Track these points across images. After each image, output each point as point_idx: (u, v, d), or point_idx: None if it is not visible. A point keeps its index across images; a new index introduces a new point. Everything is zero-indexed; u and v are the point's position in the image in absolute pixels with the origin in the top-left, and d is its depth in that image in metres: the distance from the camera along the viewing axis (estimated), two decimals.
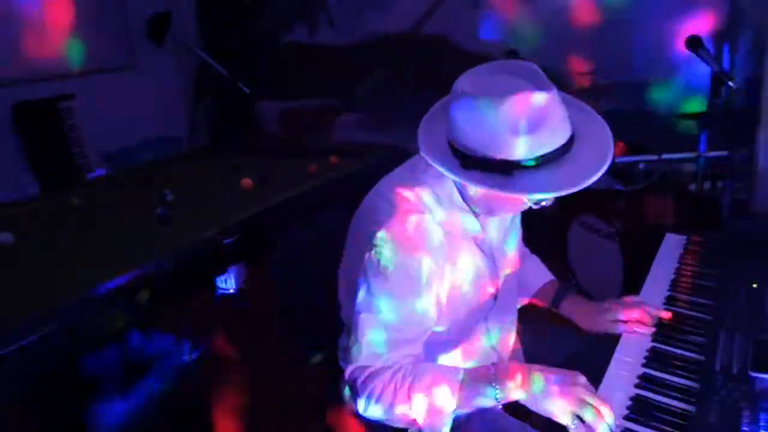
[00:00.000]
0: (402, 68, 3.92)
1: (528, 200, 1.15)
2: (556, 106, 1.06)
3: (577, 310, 1.47)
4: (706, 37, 2.02)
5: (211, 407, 2.19)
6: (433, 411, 1.13)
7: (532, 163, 1.04)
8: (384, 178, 1.32)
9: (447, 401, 1.12)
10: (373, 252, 1.17)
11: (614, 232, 2.84)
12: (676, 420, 1.03)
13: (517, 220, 1.51)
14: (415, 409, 1.13)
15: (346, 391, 1.43)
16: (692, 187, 2.73)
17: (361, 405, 1.19)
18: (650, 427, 1.02)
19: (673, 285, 1.50)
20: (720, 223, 1.95)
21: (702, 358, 1.19)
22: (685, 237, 1.77)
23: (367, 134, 4.05)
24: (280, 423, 2.19)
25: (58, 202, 2.60)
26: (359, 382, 1.18)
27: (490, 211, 1.26)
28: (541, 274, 1.59)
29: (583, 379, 1.08)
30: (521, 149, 1.04)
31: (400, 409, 1.15)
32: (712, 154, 2.45)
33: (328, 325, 1.49)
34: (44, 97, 3.54)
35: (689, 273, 1.55)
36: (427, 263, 1.18)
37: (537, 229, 1.66)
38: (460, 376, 1.14)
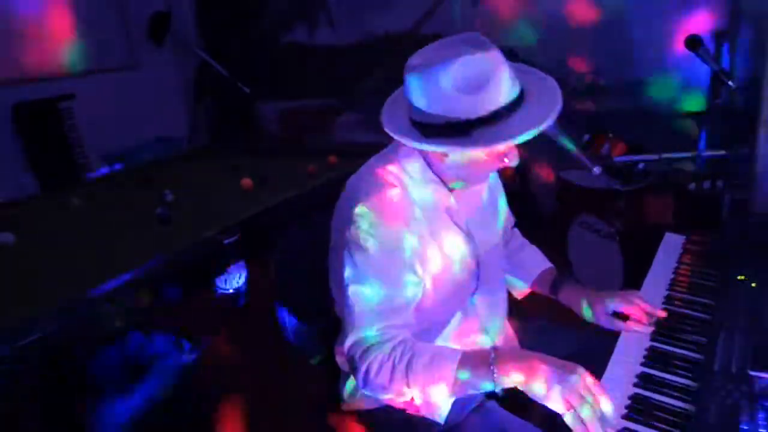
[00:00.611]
0: (402, 68, 3.92)
1: (488, 155, 1.19)
2: (501, 64, 1.12)
3: (577, 299, 1.47)
4: (706, 36, 2.02)
5: (211, 407, 2.20)
6: (430, 390, 1.13)
7: (486, 117, 1.11)
8: (362, 166, 1.37)
9: (444, 380, 1.13)
10: (353, 227, 1.22)
11: (614, 232, 2.84)
12: (675, 419, 1.03)
13: (500, 203, 1.53)
14: (412, 386, 1.14)
15: (347, 387, 1.44)
16: (692, 186, 2.73)
17: (360, 380, 1.20)
18: (649, 427, 1.02)
19: (673, 284, 1.50)
20: (720, 223, 1.95)
21: (701, 357, 1.19)
22: (685, 237, 1.77)
23: (367, 134, 4.05)
24: (280, 423, 2.19)
25: (58, 202, 2.60)
26: (357, 356, 1.19)
27: (462, 179, 1.29)
28: (540, 262, 1.60)
29: (581, 369, 1.06)
30: (473, 107, 1.11)
31: (397, 386, 1.16)
32: (712, 153, 2.45)
33: (327, 324, 1.49)
34: (44, 97, 3.55)
35: (689, 273, 1.55)
36: (404, 231, 1.22)
37: (537, 229, 1.66)
38: (458, 356, 1.14)
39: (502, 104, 1.12)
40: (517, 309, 1.61)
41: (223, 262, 2.01)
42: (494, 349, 1.14)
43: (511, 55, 3.95)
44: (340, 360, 1.47)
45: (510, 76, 1.13)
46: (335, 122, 4.40)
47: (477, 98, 1.10)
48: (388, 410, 1.38)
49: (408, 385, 1.14)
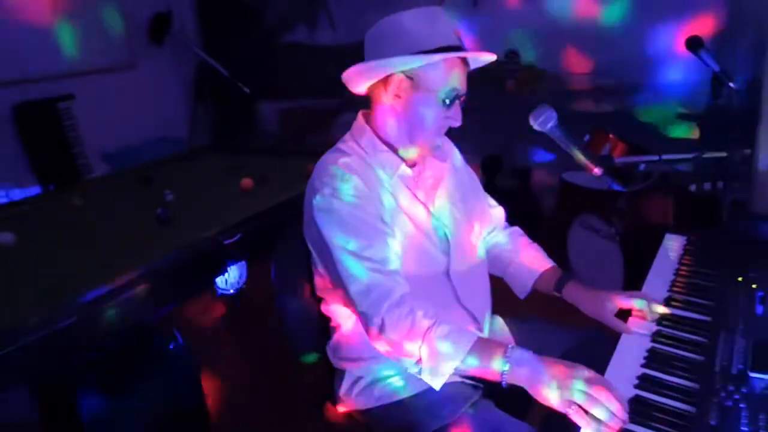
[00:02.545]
0: None
1: (446, 85, 1.31)
2: (445, 16, 1.32)
3: (580, 295, 1.48)
4: (706, 38, 2.02)
5: (210, 407, 2.20)
6: (440, 356, 1.16)
7: (432, 46, 1.27)
8: None
9: (457, 352, 1.16)
10: (317, 196, 1.31)
11: (614, 232, 2.84)
12: (676, 420, 1.03)
13: (475, 192, 1.60)
14: (425, 349, 1.17)
15: (343, 386, 1.44)
16: (692, 187, 2.73)
17: (373, 331, 1.22)
18: (650, 428, 1.02)
19: (673, 285, 1.50)
20: (720, 223, 1.94)
21: (701, 358, 1.19)
22: (685, 237, 1.77)
23: None
24: (277, 422, 2.19)
25: (58, 202, 2.60)
26: (366, 303, 1.23)
27: (411, 141, 1.37)
28: (542, 261, 1.60)
29: (586, 372, 1.08)
30: (421, 38, 1.27)
31: (409, 346, 1.18)
32: (712, 154, 2.45)
33: (325, 324, 1.49)
34: (44, 97, 3.55)
35: (689, 273, 1.55)
36: (361, 187, 1.30)
37: (537, 229, 1.66)
38: (475, 339, 1.18)
39: (447, 43, 1.28)
40: (516, 308, 1.61)
41: (223, 262, 2.01)
42: (512, 346, 1.16)
43: (512, 55, 3.96)
44: (332, 358, 1.48)
45: (455, 28, 1.33)
46: (335, 122, 4.40)
47: (425, 33, 1.27)
48: (383, 409, 1.38)
49: (420, 349, 1.17)
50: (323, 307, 1.47)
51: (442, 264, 1.40)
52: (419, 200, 1.40)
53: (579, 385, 1.05)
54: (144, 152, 3.80)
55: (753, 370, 1.09)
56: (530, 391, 1.10)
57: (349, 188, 1.30)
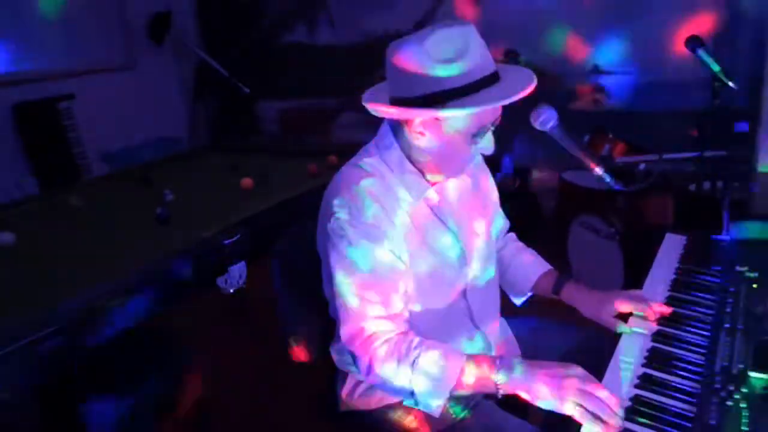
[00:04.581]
0: None
1: (462, 134, 1.20)
2: (476, 37, 1.16)
3: (579, 297, 1.47)
4: (706, 37, 2.02)
5: (210, 408, 2.20)
6: (432, 385, 1.15)
7: (461, 88, 1.14)
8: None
9: (448, 381, 1.15)
10: (333, 219, 1.24)
11: (614, 232, 2.84)
12: (676, 420, 1.03)
13: (491, 191, 1.54)
14: (415, 382, 1.16)
15: (345, 387, 1.44)
16: (692, 187, 2.73)
17: (363, 369, 1.22)
18: (650, 428, 1.02)
19: (673, 285, 1.50)
20: (720, 223, 1.94)
21: (702, 358, 1.19)
22: (685, 237, 1.76)
23: (367, 134, 4.05)
24: (279, 423, 2.19)
25: (58, 202, 2.60)
26: (357, 345, 1.21)
27: (439, 169, 1.30)
28: (538, 265, 1.58)
29: (579, 370, 1.08)
30: (448, 78, 1.13)
31: (401, 380, 1.17)
32: (712, 154, 2.45)
33: (326, 325, 1.49)
34: (44, 97, 3.55)
35: (689, 273, 1.55)
36: (382, 217, 1.23)
37: (537, 229, 1.66)
38: (465, 360, 1.16)
39: (477, 77, 1.14)
40: (516, 308, 1.61)
41: (223, 262, 2.01)
42: (500, 357, 1.16)
43: (512, 54, 3.96)
44: (336, 359, 1.48)
45: (483, 52, 1.17)
46: (335, 122, 4.40)
47: (452, 68, 1.13)
48: (385, 411, 1.38)
49: (411, 381, 1.16)
50: (331, 309, 1.44)
51: (459, 285, 1.37)
52: (443, 224, 1.34)
53: (572, 383, 1.06)
54: (144, 152, 3.80)
55: (753, 370, 1.09)
56: (526, 398, 1.11)
57: (368, 217, 1.22)
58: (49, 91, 3.58)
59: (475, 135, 1.21)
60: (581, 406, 1.03)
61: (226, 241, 1.98)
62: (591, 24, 3.51)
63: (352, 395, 1.43)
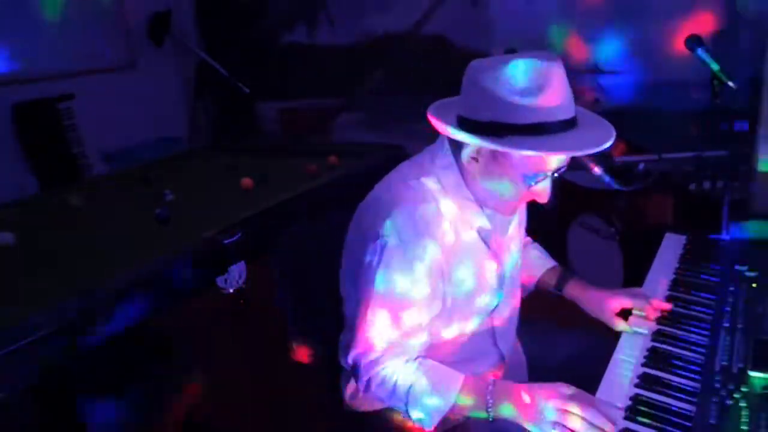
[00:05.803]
0: (402, 68, 3.93)
1: (517, 178, 1.15)
2: (560, 75, 1.08)
3: (581, 294, 1.47)
4: (706, 37, 2.02)
5: (211, 407, 2.19)
6: (426, 410, 1.18)
7: (531, 126, 1.05)
8: (390, 173, 1.33)
9: (442, 406, 1.17)
10: (379, 241, 1.18)
11: (614, 232, 2.84)
12: (676, 419, 1.03)
13: (524, 224, 1.52)
14: (409, 406, 1.19)
15: (349, 388, 1.44)
16: (692, 187, 2.73)
17: (361, 386, 1.25)
18: (650, 427, 1.02)
19: (673, 285, 1.50)
20: (720, 223, 1.95)
21: (702, 358, 1.19)
22: (685, 237, 1.77)
23: (367, 134, 4.05)
24: (281, 423, 2.19)
25: (58, 201, 2.59)
26: (361, 364, 1.22)
27: (492, 199, 1.24)
28: (543, 260, 1.59)
29: (565, 390, 1.09)
30: (521, 112, 1.05)
31: (395, 403, 1.22)
32: (712, 153, 2.45)
33: (328, 324, 1.49)
34: (44, 97, 3.54)
35: (689, 273, 1.55)
36: (431, 250, 1.19)
37: (537, 229, 1.66)
38: (459, 386, 1.18)
39: (551, 119, 1.06)
40: (520, 313, 1.61)
41: (223, 262, 2.01)
42: (494, 382, 1.17)
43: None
44: (343, 359, 1.47)
45: (566, 92, 1.09)
46: (335, 122, 4.40)
47: (525, 100, 1.05)
48: (389, 411, 1.38)
49: (406, 405, 1.19)
50: (347, 309, 1.42)
51: (490, 305, 1.36)
52: (489, 249, 1.30)
53: (551, 404, 1.06)
54: (144, 152, 3.79)
55: (753, 369, 1.09)
56: (517, 422, 1.12)
57: (418, 252, 1.17)
58: (49, 91, 3.57)
59: (531, 177, 1.14)
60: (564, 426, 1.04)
61: (226, 241, 1.98)
62: (591, 24, 3.51)
63: (357, 395, 1.43)
